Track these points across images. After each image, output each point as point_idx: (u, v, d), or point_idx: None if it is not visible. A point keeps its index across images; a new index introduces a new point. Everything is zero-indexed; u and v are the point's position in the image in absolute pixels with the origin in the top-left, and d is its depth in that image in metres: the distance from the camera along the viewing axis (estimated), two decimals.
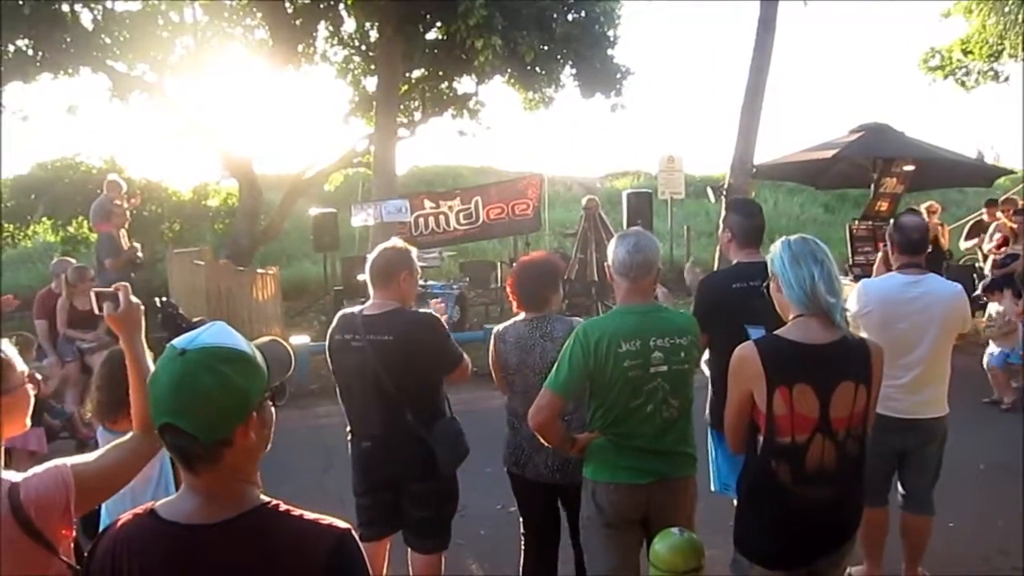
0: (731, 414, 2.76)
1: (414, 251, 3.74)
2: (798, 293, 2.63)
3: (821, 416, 2.58)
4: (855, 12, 60.10)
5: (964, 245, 11.97)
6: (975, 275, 10.71)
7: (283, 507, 1.56)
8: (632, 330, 3.00)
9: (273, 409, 1.63)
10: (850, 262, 10.35)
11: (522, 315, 3.68)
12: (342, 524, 1.57)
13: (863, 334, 3.72)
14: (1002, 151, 24.63)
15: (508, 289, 3.77)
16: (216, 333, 1.56)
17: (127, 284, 2.21)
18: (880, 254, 4.76)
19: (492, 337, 3.75)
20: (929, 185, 11.65)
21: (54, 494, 1.86)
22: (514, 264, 11.79)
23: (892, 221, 4.35)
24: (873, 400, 2.72)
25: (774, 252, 2.74)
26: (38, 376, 2.22)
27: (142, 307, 2.22)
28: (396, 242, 3.73)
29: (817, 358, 2.59)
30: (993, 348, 7.99)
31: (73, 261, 8.75)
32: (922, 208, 11.22)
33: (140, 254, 10.12)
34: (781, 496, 2.64)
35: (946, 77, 19.75)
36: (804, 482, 2.61)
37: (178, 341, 1.53)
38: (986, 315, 8.22)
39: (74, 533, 1.95)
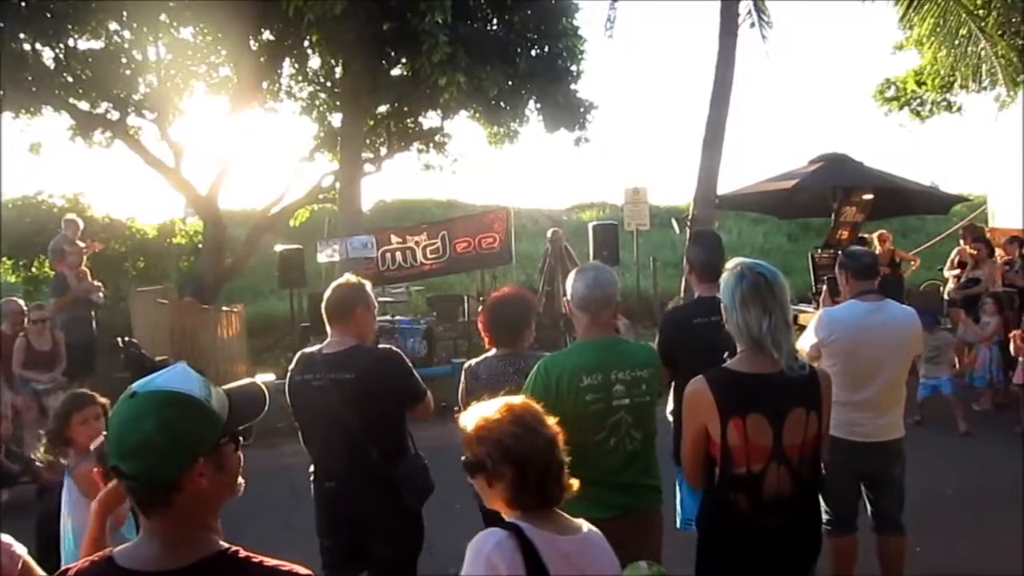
0: (687, 449, 2.77)
1: (368, 284, 3.70)
2: (744, 336, 2.64)
3: (775, 444, 2.60)
4: (812, 45, 61.50)
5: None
6: (942, 299, 10.95)
7: (243, 553, 1.54)
8: (593, 364, 3.02)
9: (239, 454, 1.61)
10: (813, 290, 10.50)
11: (494, 351, 3.67)
12: (304, 570, 1.56)
13: (827, 361, 3.80)
14: (957, 180, 25.26)
15: (480, 326, 3.76)
16: (172, 377, 1.55)
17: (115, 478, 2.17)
18: (825, 287, 4.85)
19: (463, 373, 3.73)
20: (888, 213, 11.88)
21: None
22: (482, 298, 11.78)
23: (841, 251, 4.45)
24: (825, 427, 2.74)
25: (726, 282, 2.70)
26: None
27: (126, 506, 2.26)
28: (349, 277, 3.70)
29: (767, 387, 2.62)
30: (934, 381, 8.06)
31: (21, 301, 8.62)
32: (874, 237, 11.47)
33: (101, 294, 9.99)
34: (740, 526, 2.66)
35: (901, 108, 20.24)
36: (762, 511, 2.62)
37: (137, 384, 1.53)
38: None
39: None
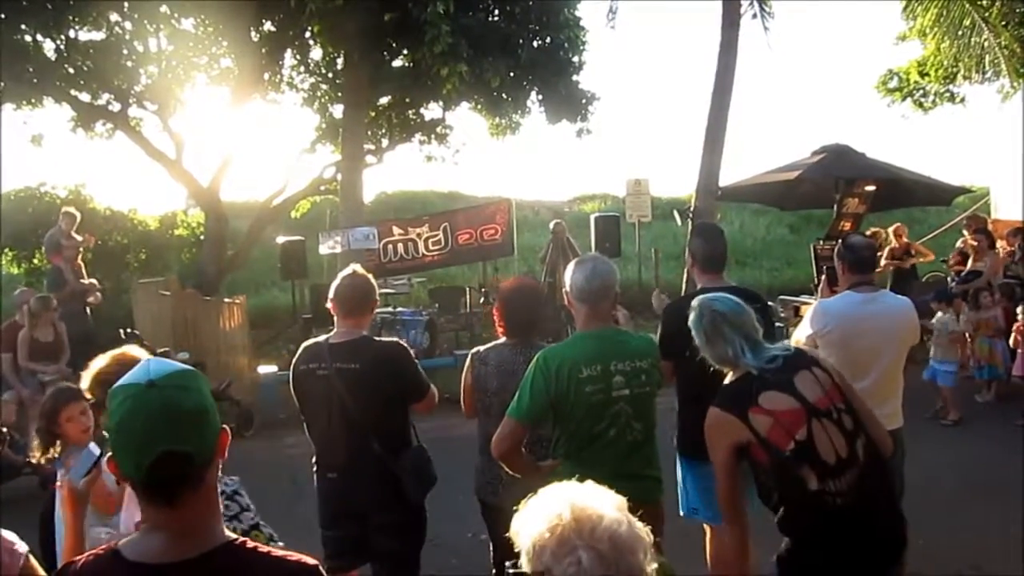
0: (722, 484, 2.72)
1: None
2: (719, 363, 2.77)
3: (803, 404, 2.63)
4: (815, 36, 61.22)
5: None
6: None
7: (250, 544, 1.54)
8: (592, 355, 3.02)
9: None
10: (815, 282, 10.49)
11: (503, 339, 3.67)
12: (311, 560, 1.56)
13: (823, 352, 3.79)
14: (959, 171, 25.23)
15: (496, 315, 3.73)
16: (161, 363, 1.54)
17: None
18: (824, 277, 4.84)
19: (470, 358, 3.71)
20: (890, 204, 11.84)
21: None
22: (484, 290, 11.74)
23: (840, 241, 4.43)
24: (840, 379, 2.78)
25: (691, 323, 2.82)
26: None
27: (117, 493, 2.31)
28: (357, 268, 3.68)
29: (761, 376, 2.68)
30: (939, 365, 8.09)
31: (29, 290, 8.62)
32: (889, 231, 11.48)
33: (99, 294, 9.97)
34: (816, 507, 2.61)
35: (904, 99, 20.19)
36: (830, 475, 2.59)
37: (129, 379, 1.50)
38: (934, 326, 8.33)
39: None
